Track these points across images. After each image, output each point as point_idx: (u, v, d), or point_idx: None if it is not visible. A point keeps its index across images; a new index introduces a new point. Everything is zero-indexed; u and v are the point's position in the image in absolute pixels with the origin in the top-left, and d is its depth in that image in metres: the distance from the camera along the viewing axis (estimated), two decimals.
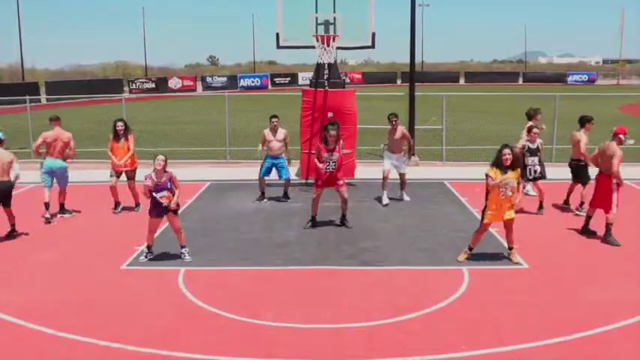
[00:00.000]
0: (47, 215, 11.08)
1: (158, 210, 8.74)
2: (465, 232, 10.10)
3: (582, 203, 11.33)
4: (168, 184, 8.68)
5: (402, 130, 12.37)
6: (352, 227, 10.47)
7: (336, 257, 9.03)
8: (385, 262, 8.79)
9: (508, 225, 8.71)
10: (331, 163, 10.28)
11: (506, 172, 8.39)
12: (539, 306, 7.22)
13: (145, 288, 7.91)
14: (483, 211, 8.69)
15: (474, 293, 7.62)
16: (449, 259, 8.82)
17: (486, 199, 8.61)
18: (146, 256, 8.90)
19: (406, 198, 12.58)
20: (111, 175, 11.73)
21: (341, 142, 10.41)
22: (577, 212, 11.31)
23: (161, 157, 8.63)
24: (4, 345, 6.41)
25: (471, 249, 8.82)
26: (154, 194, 8.66)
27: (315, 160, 10.46)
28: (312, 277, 8.24)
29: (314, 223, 10.57)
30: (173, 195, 8.71)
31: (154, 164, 8.61)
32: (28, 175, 13.05)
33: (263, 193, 12.56)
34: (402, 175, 12.51)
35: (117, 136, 11.62)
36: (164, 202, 8.65)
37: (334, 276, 8.28)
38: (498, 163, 8.43)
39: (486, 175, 8.51)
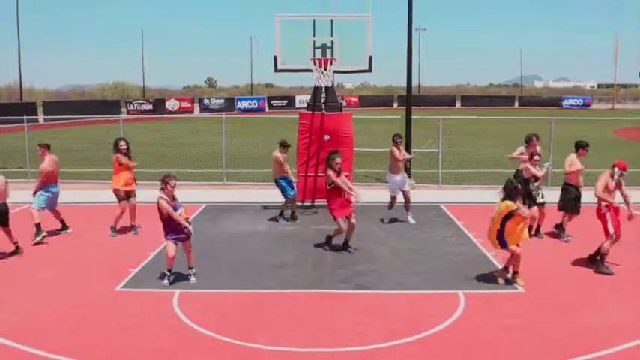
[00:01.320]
0: (45, 233, 11.12)
1: (179, 233, 8.79)
2: (461, 255, 10.11)
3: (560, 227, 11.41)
4: (178, 203, 8.91)
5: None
6: (354, 252, 10.43)
7: (332, 280, 9.00)
8: (381, 286, 8.77)
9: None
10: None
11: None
12: (536, 330, 7.20)
13: (140, 310, 7.86)
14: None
15: (470, 317, 7.59)
16: (445, 283, 8.79)
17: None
18: (169, 279, 8.82)
19: (411, 221, 12.54)
20: (120, 200, 11.59)
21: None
22: (565, 238, 11.29)
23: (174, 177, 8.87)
24: None
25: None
26: (174, 216, 8.73)
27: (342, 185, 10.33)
28: (307, 301, 8.20)
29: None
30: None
31: (168, 184, 8.72)
32: (25, 196, 13.01)
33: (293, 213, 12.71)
34: (406, 194, 12.57)
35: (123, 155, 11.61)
36: (185, 220, 8.76)
37: (330, 299, 8.24)
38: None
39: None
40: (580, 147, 11.28)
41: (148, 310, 7.83)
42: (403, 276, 9.20)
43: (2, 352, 6.65)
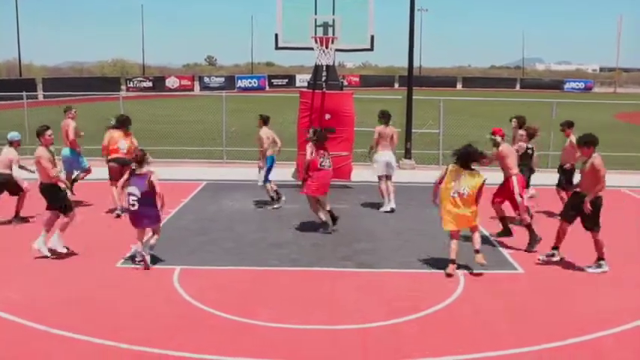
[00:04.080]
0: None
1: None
2: (460, 236, 10.10)
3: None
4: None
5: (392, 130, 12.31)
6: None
7: (332, 259, 9.03)
8: (381, 265, 8.79)
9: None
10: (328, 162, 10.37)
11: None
12: (534, 311, 7.23)
13: (140, 286, 7.88)
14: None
15: (470, 297, 7.63)
16: (445, 263, 8.80)
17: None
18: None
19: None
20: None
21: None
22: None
23: None
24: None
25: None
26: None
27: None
28: (307, 279, 8.23)
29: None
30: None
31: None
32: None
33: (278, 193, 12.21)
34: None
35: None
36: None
37: (330, 277, 8.27)
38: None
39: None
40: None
41: (148, 287, 7.85)
42: (403, 255, 9.23)
43: (6, 328, 6.68)
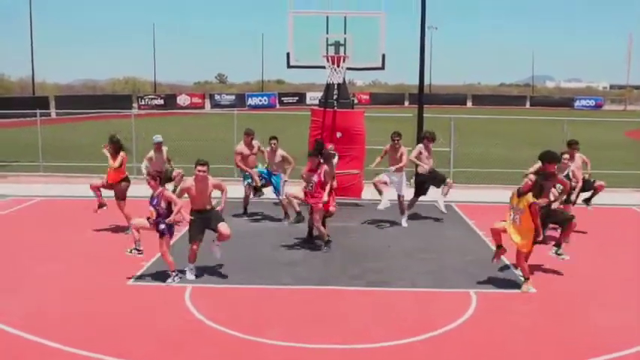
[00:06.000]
0: None
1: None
2: (472, 254, 10.08)
3: None
4: (155, 200, 8.74)
5: (403, 150, 12.38)
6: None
7: (342, 277, 9.01)
8: (391, 284, 8.76)
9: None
10: (308, 185, 10.27)
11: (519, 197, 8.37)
12: (547, 331, 7.18)
13: (151, 304, 7.90)
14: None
15: (481, 317, 7.58)
16: (456, 282, 8.78)
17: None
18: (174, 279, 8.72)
19: (404, 224, 12.30)
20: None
21: (325, 167, 10.27)
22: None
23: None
24: (5, 356, 6.40)
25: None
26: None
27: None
28: (317, 297, 8.22)
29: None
30: (156, 212, 8.71)
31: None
32: (34, 189, 13.11)
33: (287, 213, 12.23)
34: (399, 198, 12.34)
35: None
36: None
37: (340, 296, 8.25)
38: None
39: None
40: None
41: (159, 304, 7.87)
42: (414, 274, 9.19)
43: (12, 342, 6.71)
